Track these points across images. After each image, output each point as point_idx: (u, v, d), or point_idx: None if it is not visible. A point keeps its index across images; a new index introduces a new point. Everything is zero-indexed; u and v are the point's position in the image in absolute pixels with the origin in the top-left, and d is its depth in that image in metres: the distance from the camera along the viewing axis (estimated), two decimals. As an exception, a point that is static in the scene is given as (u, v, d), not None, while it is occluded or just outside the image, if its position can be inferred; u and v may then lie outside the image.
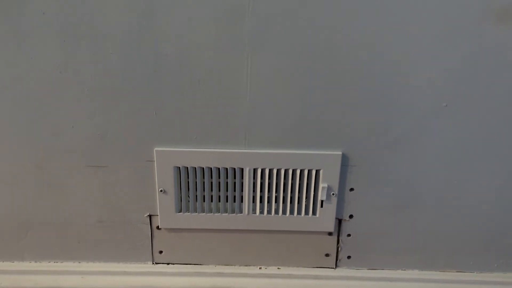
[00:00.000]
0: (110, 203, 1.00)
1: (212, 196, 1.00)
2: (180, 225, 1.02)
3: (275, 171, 0.96)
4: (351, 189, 0.99)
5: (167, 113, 0.92)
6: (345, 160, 0.96)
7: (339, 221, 1.03)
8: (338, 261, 1.07)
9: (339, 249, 1.05)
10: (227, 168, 0.96)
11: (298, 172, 0.96)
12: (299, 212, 1.01)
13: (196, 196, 0.99)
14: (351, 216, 1.02)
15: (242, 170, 0.97)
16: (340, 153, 0.95)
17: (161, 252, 1.06)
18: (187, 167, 0.96)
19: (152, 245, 1.05)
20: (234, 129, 0.93)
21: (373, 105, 0.91)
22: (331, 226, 1.02)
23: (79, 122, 0.92)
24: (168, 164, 0.96)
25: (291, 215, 1.01)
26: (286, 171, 0.97)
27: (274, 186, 0.98)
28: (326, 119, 0.92)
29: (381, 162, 0.96)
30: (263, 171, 0.97)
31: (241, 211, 1.01)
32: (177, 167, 0.96)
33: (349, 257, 1.06)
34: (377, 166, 0.96)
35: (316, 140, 0.94)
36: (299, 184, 0.99)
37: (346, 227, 1.03)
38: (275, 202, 1.00)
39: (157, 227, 1.03)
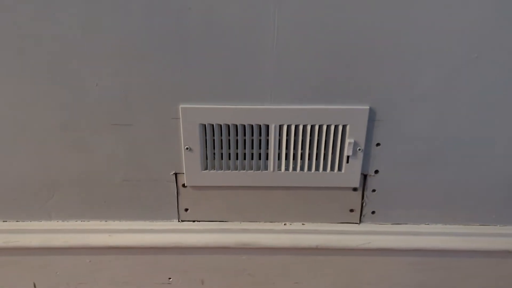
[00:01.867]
0: (135, 162, 1.02)
1: (237, 153, 1.01)
2: (206, 182, 1.04)
3: (301, 127, 0.97)
4: (378, 144, 1.00)
5: (192, 69, 0.92)
6: (372, 115, 0.97)
7: (364, 177, 1.04)
8: (362, 216, 1.10)
9: (364, 204, 1.08)
10: (252, 125, 0.97)
11: (324, 128, 0.97)
12: (324, 168, 1.03)
13: (222, 153, 1.01)
14: (376, 172, 1.04)
15: (267, 126, 0.98)
16: (368, 107, 0.96)
17: (186, 210, 1.09)
18: (213, 124, 0.97)
19: (178, 203, 1.08)
20: (260, 85, 0.94)
21: (401, 58, 0.90)
22: (356, 182, 1.04)
23: (103, 81, 0.93)
24: (193, 122, 0.97)
25: (317, 171, 1.02)
26: (312, 127, 0.98)
27: (299, 142, 1.00)
28: (354, 73, 0.92)
29: (408, 116, 0.97)
30: (289, 127, 0.98)
31: (266, 168, 1.02)
32: (203, 124, 0.97)
33: (373, 212, 1.09)
34: (404, 121, 0.97)
35: (343, 95, 0.94)
36: (325, 140, 1.00)
37: (371, 182, 1.05)
38: (301, 158, 1.02)
39: (183, 185, 1.05)
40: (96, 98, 0.94)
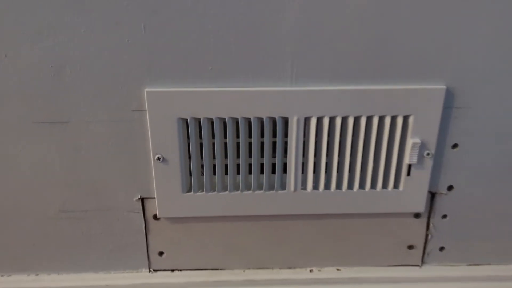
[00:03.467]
0: (78, 182, 0.67)
1: (238, 165, 0.67)
2: (189, 212, 0.69)
3: (338, 122, 0.63)
4: (455, 146, 0.67)
5: (164, 29, 0.58)
6: (449, 100, 0.64)
7: (432, 196, 0.70)
8: (426, 256, 0.75)
9: (429, 237, 0.73)
10: (262, 119, 0.63)
11: (374, 121, 0.63)
12: (372, 185, 0.68)
13: (214, 165, 0.66)
14: (450, 188, 0.70)
15: (286, 120, 0.64)
16: (444, 87, 0.63)
17: (161, 253, 0.73)
18: (199, 119, 0.63)
19: (148, 244, 0.72)
20: (274, 55, 0.59)
21: (494, 14, 0.58)
22: (420, 204, 0.70)
23: (17, 49, 0.58)
24: (167, 115, 0.62)
25: (361, 190, 0.68)
26: (356, 121, 0.64)
27: (335, 146, 0.65)
28: (418, 36, 0.59)
29: (505, 102, 0.64)
30: (319, 121, 0.64)
31: (283, 187, 0.68)
32: (183, 119, 0.62)
33: (442, 248, 0.74)
34: (498, 110, 0.64)
35: (404, 68, 0.61)
36: (376, 142, 0.66)
37: (442, 204, 0.71)
38: (337, 171, 0.68)
39: (155, 217, 0.70)
40: (5, 78, 0.59)
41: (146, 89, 0.60)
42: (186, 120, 0.62)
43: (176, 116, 0.62)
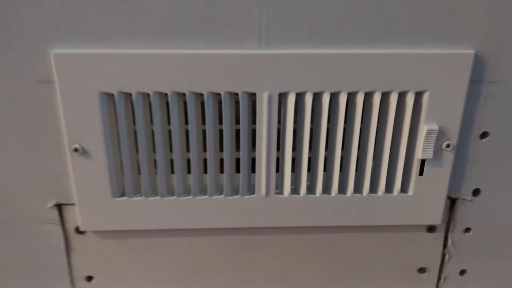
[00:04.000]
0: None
1: (189, 159, 0.50)
2: (124, 224, 0.50)
3: (325, 100, 0.46)
4: (484, 135, 0.50)
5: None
6: (478, 70, 0.47)
7: (452, 203, 0.53)
8: (441, 281, 0.58)
9: (446, 257, 0.56)
10: (219, 96, 0.46)
11: (375, 99, 0.46)
12: (372, 189, 0.51)
13: (155, 160, 0.49)
14: (476, 192, 0.53)
15: (253, 98, 0.47)
16: (472, 51, 0.46)
17: (90, 278, 0.55)
18: (131, 94, 0.45)
19: (71, 266, 0.54)
20: (235, 2, 0.43)
21: None
22: (436, 214, 0.52)
23: None
24: (86, 89, 0.44)
25: (357, 195, 0.51)
26: (350, 98, 0.47)
27: (321, 135, 0.48)
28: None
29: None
30: (299, 99, 0.47)
31: (251, 191, 0.51)
32: (108, 94, 0.45)
33: (463, 272, 0.57)
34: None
35: (416, 25, 0.44)
36: (378, 129, 0.49)
37: (465, 214, 0.54)
38: (324, 170, 0.51)
39: (77, 230, 0.52)
40: None
41: (54, 51, 0.43)
42: (112, 95, 0.45)
43: (98, 89, 0.44)
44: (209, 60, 0.43)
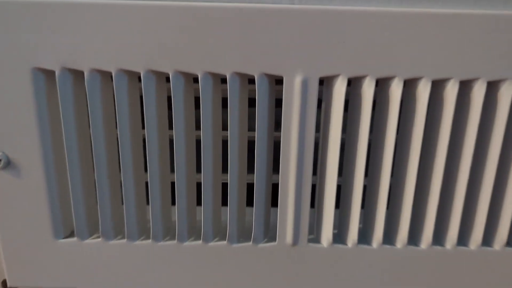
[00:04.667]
0: None
1: (174, 183, 0.32)
2: (72, 279, 0.34)
3: (396, 93, 0.29)
4: None
5: None
6: None
7: None
8: None
9: None
10: (225, 79, 0.29)
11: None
12: (461, 240, 0.33)
13: (121, 181, 0.32)
14: None
15: (280, 82, 0.30)
16: None
17: None
18: (83, 73, 0.29)
19: None
20: None
21: None
22: None
23: None
24: (12, 63, 0.28)
25: (435, 247, 0.33)
26: (435, 88, 0.30)
27: (387, 149, 0.31)
28: None
29: None
30: (355, 88, 0.30)
31: (271, 237, 0.33)
32: (48, 71, 0.28)
33: None
34: None
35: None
36: (480, 146, 0.31)
37: None
38: (387, 206, 0.33)
39: (4, 284, 0.35)
40: None
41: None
42: (54, 73, 0.29)
43: (31, 65, 0.28)
44: (210, 15, 0.27)
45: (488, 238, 0.32)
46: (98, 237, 0.32)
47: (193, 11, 0.26)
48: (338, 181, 0.32)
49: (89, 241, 0.32)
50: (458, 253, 0.32)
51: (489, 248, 0.32)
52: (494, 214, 0.32)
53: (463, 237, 0.32)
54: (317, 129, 0.31)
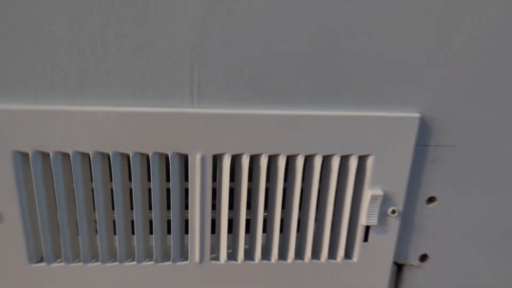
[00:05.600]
0: None
1: (115, 221, 0.45)
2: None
3: (262, 162, 0.44)
4: (431, 200, 0.48)
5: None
6: (424, 134, 0.45)
7: (399, 269, 0.51)
8: None
9: (394, 325, 0.54)
10: (148, 157, 0.43)
11: (316, 163, 0.44)
12: (315, 254, 0.48)
13: (77, 223, 0.45)
14: (423, 258, 0.51)
15: (183, 159, 0.44)
16: (417, 115, 0.44)
17: None
18: (49, 154, 0.41)
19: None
20: (165, 57, 0.40)
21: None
22: (382, 280, 0.50)
23: None
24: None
25: (297, 261, 0.48)
26: (290, 163, 0.45)
27: (259, 197, 0.46)
28: (382, 40, 0.41)
29: (499, 142, 0.46)
30: (235, 160, 0.44)
31: (184, 256, 0.47)
32: (22, 153, 0.41)
33: (412, 339, 0.55)
34: (489, 150, 0.46)
35: (360, 86, 0.42)
36: (320, 193, 0.47)
37: (412, 280, 0.52)
38: (264, 231, 0.48)
39: (-11, 297, 0.48)
40: None
41: (-41, 104, 0.39)
42: (27, 155, 0.41)
43: (10, 148, 0.40)
44: (136, 119, 0.40)
45: (332, 253, 0.48)
46: (61, 261, 0.45)
47: (123, 116, 0.39)
48: (230, 215, 0.46)
49: (54, 264, 0.45)
50: (312, 264, 0.48)
51: (333, 260, 0.48)
52: (335, 237, 0.48)
53: (316, 253, 0.48)
54: (214, 181, 0.45)
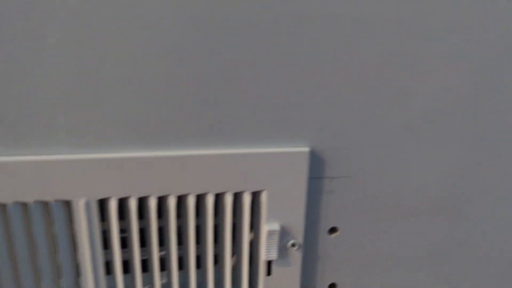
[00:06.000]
0: None
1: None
2: None
3: (151, 203, 0.43)
4: (333, 230, 0.48)
5: None
6: (317, 167, 0.45)
7: (308, 300, 0.51)
8: None
9: None
10: (19, 207, 0.41)
11: (208, 201, 0.43)
12: (218, 290, 0.48)
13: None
14: (332, 287, 0.50)
15: (68, 205, 0.42)
16: (306, 149, 0.44)
17: None
18: None
19: None
20: (39, 109, 0.38)
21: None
22: (290, 313, 0.50)
23: None
24: None
25: (201, 299, 0.47)
26: (181, 202, 0.44)
27: (153, 238, 0.44)
28: (265, 70, 0.40)
29: (393, 170, 0.46)
30: (123, 204, 0.43)
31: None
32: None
33: None
34: (384, 179, 0.46)
35: (243, 121, 0.42)
36: (220, 231, 0.46)
37: (323, 309, 0.51)
38: (162, 269, 0.47)
39: None
40: None
41: None
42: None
43: None
44: (11, 168, 0.39)
45: None
46: None
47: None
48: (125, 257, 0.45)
49: None
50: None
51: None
52: (238, 273, 0.47)
53: (222, 288, 0.47)
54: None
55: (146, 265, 0.46)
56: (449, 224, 0.50)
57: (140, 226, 0.44)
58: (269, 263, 0.46)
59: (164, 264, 0.47)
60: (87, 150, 0.39)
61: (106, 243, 0.44)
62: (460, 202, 0.49)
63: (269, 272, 0.46)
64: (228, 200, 0.43)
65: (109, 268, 0.45)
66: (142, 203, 0.43)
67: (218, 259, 0.47)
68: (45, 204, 0.41)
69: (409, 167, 0.46)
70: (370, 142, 0.43)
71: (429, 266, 0.51)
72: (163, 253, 0.46)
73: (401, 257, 0.49)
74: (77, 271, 0.44)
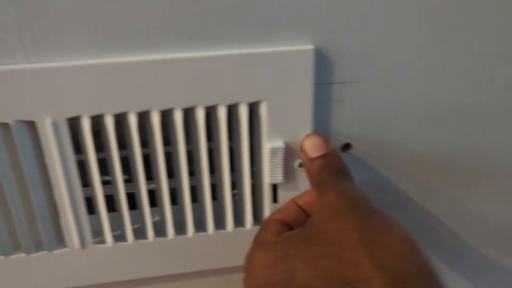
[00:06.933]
0: None
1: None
2: None
3: (131, 120, 0.36)
4: (346, 147, 0.41)
5: None
6: (324, 70, 0.38)
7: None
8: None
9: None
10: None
11: (197, 117, 0.37)
12: (218, 225, 0.42)
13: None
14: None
15: (32, 126, 0.36)
16: (311, 47, 0.37)
17: None
18: None
19: None
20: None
21: None
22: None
23: None
24: None
25: (199, 234, 0.42)
26: (167, 115, 0.38)
27: (137, 161, 0.39)
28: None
29: (405, 74, 0.39)
30: (100, 127, 0.37)
31: (62, 243, 0.41)
32: None
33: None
34: (401, 84, 0.39)
35: (241, 18, 0.35)
36: (215, 153, 0.40)
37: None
38: (151, 197, 0.41)
39: None
40: None
41: None
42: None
43: None
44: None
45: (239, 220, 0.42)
46: None
47: None
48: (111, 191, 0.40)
49: None
50: (217, 236, 0.41)
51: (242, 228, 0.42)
52: (240, 202, 0.41)
53: (220, 223, 0.42)
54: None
55: (133, 202, 0.41)
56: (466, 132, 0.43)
57: (121, 155, 0.38)
58: (274, 189, 0.40)
59: (154, 200, 0.41)
60: (50, 58, 0.33)
61: (86, 180, 0.39)
62: (477, 111, 0.42)
63: (275, 199, 0.41)
64: (222, 114, 0.37)
65: (91, 206, 0.40)
66: (121, 126, 0.37)
67: (216, 190, 0.42)
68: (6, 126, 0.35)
69: (428, 71, 0.39)
70: (384, 39, 0.37)
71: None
72: (152, 185, 0.41)
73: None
74: (55, 211, 0.39)
